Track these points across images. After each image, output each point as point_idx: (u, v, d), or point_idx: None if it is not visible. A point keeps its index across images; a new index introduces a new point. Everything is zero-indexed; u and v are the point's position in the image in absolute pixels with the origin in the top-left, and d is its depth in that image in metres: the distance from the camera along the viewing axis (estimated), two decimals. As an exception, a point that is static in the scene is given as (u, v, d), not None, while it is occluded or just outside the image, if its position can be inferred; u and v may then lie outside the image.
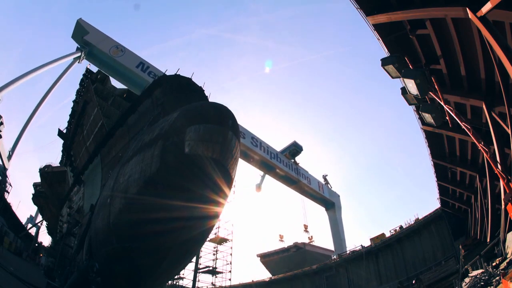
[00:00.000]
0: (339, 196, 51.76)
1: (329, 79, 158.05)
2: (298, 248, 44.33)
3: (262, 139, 39.61)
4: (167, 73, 18.32)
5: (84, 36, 31.80)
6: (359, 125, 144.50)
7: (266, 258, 48.46)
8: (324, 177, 52.40)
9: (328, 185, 51.59)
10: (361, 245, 31.84)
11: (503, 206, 10.91)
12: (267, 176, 45.58)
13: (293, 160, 45.01)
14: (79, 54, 32.21)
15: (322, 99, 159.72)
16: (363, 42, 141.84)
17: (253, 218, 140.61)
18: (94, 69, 31.98)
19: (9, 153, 25.99)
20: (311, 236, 50.96)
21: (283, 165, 41.97)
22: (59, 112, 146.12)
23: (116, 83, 32.27)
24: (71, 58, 32.42)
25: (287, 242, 49.20)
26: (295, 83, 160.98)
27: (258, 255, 49.67)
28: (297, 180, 43.43)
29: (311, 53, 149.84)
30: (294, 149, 45.52)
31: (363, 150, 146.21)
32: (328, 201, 49.45)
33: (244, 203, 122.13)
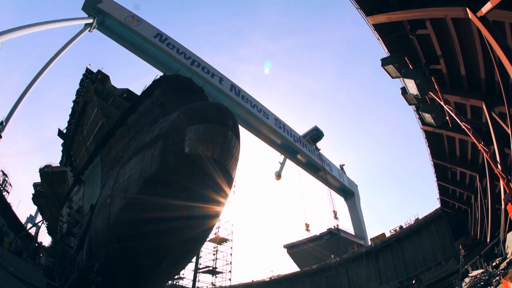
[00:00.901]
0: (357, 186, 49.13)
1: (325, 103, 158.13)
2: (332, 235, 41.26)
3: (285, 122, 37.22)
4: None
5: (98, 5, 29.53)
6: (368, 126, 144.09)
7: (295, 249, 45.21)
8: (341, 166, 49.56)
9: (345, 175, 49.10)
10: (361, 245, 31.87)
11: (503, 206, 10.92)
12: (286, 163, 43.06)
13: (314, 146, 42.34)
14: (91, 21, 29.80)
15: (325, 98, 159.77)
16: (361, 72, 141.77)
17: (271, 209, 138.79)
18: (94, 68, 31.86)
19: (2, 123, 24.67)
20: (337, 225, 46.91)
21: (307, 149, 39.17)
22: (59, 112, 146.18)
23: (117, 83, 32.18)
24: (82, 22, 29.84)
25: (307, 233, 45.37)
26: (292, 103, 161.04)
27: (285, 246, 46.69)
28: (321, 167, 40.82)
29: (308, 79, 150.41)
30: (316, 134, 42.99)
31: (363, 150, 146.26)
32: (348, 190, 46.93)
33: (244, 202, 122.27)
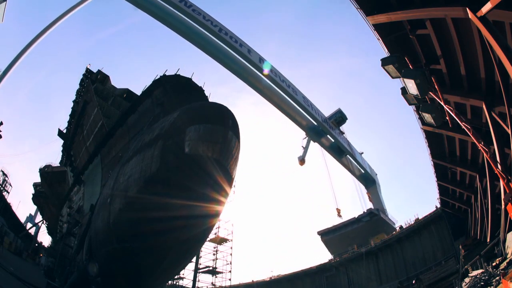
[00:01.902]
0: (376, 174, 46.68)
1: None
2: (372, 216, 37.87)
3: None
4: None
5: None
6: (368, 126, 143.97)
7: (330, 235, 41.84)
8: (360, 154, 47.17)
9: (364, 163, 47.00)
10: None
11: (503, 206, 10.92)
12: (309, 147, 40.03)
13: (338, 130, 40.03)
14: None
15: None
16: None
17: (298, 197, 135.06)
18: (94, 68, 31.89)
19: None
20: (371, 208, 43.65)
21: (333, 131, 37.19)
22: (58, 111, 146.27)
23: (118, 82, 32.16)
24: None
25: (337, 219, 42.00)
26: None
27: (319, 233, 43.44)
28: (347, 150, 38.79)
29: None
30: (340, 117, 40.38)
31: (367, 148, 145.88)
32: (370, 177, 44.45)
33: (244, 202, 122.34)
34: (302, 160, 43.81)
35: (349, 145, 39.83)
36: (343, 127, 41.09)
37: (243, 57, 28.97)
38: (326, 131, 36.35)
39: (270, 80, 30.51)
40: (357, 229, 38.80)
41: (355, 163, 41.84)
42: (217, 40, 27.12)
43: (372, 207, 40.74)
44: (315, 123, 38.47)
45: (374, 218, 37.82)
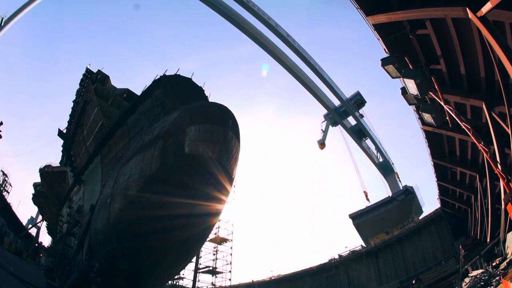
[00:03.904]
0: (393, 164, 44.59)
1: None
2: (407, 194, 34.93)
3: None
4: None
5: None
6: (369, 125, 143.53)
7: (362, 218, 38.64)
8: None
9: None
10: (361, 245, 31.77)
11: (503, 206, 10.91)
12: (328, 131, 39.74)
13: (358, 113, 38.49)
14: None
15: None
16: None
17: (316, 184, 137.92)
18: (94, 68, 31.85)
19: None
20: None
21: (356, 113, 36.11)
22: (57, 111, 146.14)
23: (117, 83, 32.11)
24: None
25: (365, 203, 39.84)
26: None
27: (351, 216, 40.39)
28: (368, 134, 37.47)
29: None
30: (359, 99, 38.78)
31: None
32: (389, 165, 42.53)
33: (244, 202, 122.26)
34: (322, 144, 42.42)
35: (369, 129, 38.67)
36: (363, 110, 39.60)
37: (272, 28, 28.81)
38: (349, 111, 35.37)
39: (299, 56, 30.00)
40: (391, 210, 35.53)
41: (375, 149, 40.17)
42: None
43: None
44: (338, 104, 37.61)
45: (409, 196, 34.77)
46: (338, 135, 43.47)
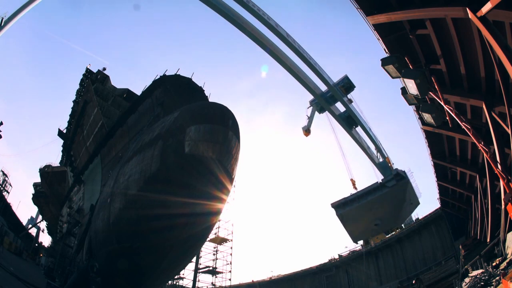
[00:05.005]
0: (384, 149, 42.98)
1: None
2: (399, 179, 29.37)
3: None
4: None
5: None
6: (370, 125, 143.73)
7: (347, 208, 31.60)
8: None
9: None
10: (361, 245, 31.67)
11: (503, 206, 10.91)
12: (315, 116, 39.80)
13: (346, 98, 38.14)
14: None
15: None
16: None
17: (316, 184, 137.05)
18: (94, 69, 31.88)
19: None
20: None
21: (344, 98, 35.20)
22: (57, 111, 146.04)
23: (117, 82, 32.12)
24: None
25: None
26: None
27: (333, 205, 36.35)
28: (359, 121, 35.91)
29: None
30: (347, 83, 38.29)
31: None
32: (379, 151, 40.41)
33: (244, 202, 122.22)
34: (307, 131, 41.09)
35: (359, 116, 37.62)
36: (351, 95, 38.73)
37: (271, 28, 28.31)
38: (337, 97, 34.11)
39: (282, 40, 29.24)
40: (380, 198, 30.09)
41: (368, 137, 38.10)
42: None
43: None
44: (325, 89, 36.47)
45: (401, 182, 29.51)
46: (330, 128, 41.94)
